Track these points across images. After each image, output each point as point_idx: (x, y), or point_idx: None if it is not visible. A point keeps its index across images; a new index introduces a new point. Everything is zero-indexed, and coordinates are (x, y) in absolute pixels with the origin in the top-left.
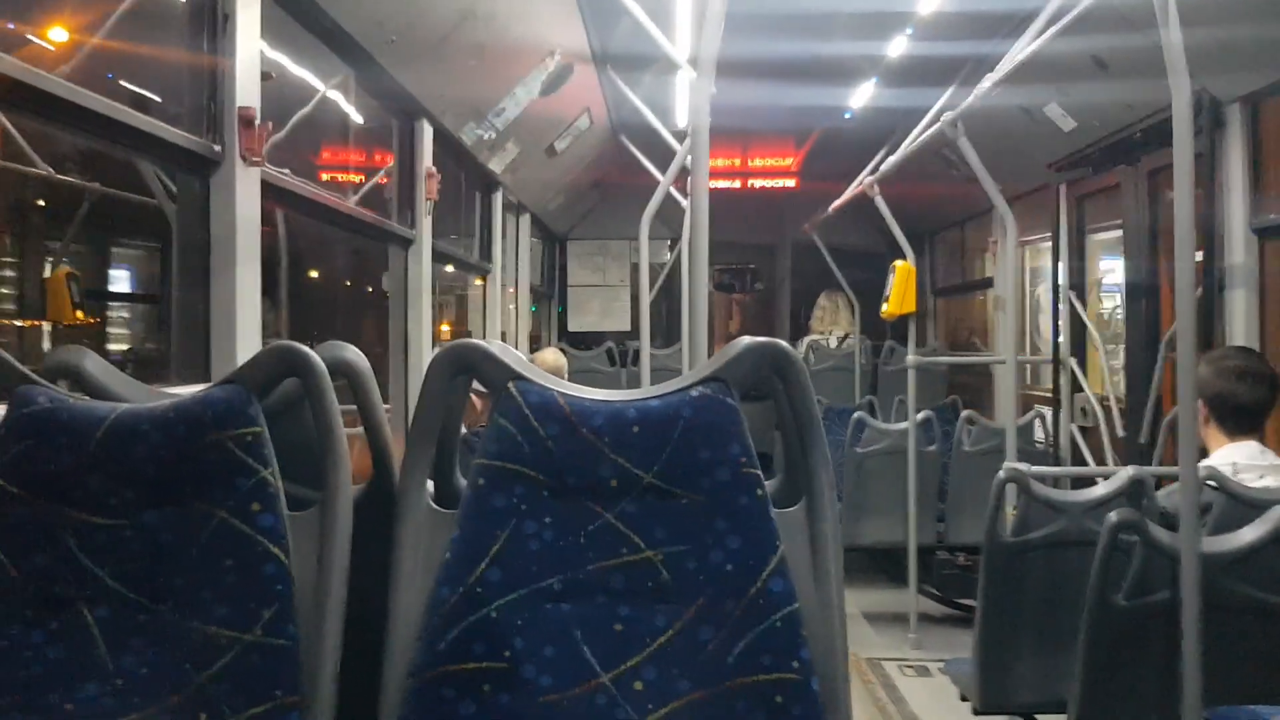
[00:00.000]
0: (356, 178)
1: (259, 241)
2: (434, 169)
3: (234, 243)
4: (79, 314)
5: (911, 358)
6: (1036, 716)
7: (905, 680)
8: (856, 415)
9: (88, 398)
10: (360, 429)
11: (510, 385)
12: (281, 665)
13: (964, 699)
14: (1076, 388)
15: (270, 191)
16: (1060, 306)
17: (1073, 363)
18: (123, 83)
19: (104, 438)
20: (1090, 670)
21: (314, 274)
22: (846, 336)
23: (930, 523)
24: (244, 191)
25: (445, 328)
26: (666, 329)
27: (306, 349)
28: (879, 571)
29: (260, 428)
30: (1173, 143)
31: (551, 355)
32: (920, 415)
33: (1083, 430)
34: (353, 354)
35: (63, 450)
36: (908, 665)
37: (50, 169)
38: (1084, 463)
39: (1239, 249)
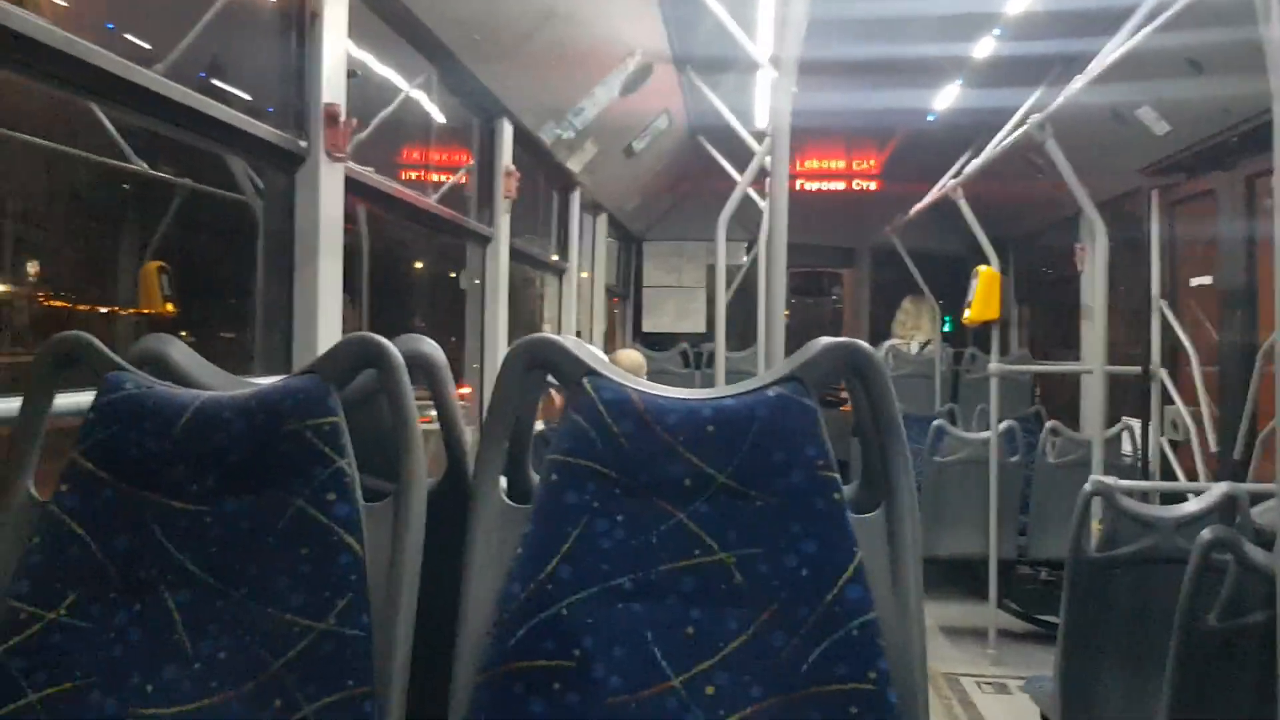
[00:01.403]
0: (437, 176)
1: (341, 236)
2: (513, 168)
3: (317, 237)
4: (169, 306)
5: (994, 365)
6: None
7: (983, 697)
8: (936, 423)
9: (173, 385)
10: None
11: (584, 381)
12: (354, 655)
13: (1045, 719)
14: (1168, 400)
15: (353, 187)
16: (1152, 317)
17: (1163, 374)
18: (214, 80)
19: (187, 424)
20: (1179, 693)
21: (397, 270)
22: (928, 343)
23: (1011, 535)
24: (328, 187)
25: (547, 327)
26: (742, 332)
27: (384, 340)
28: (957, 584)
29: (338, 418)
30: (1273, 147)
31: (632, 355)
32: (1003, 425)
33: (1173, 444)
34: (429, 347)
35: (148, 436)
36: (986, 681)
37: (144, 164)
38: (1174, 478)
39: None
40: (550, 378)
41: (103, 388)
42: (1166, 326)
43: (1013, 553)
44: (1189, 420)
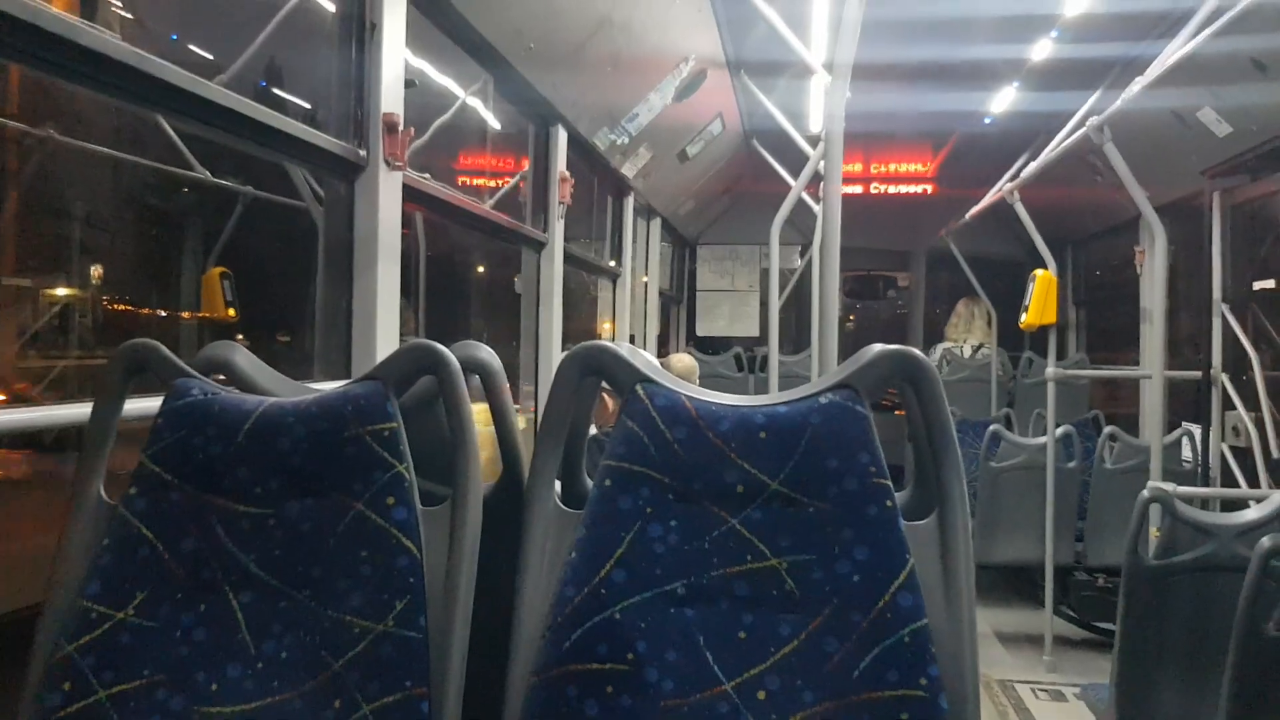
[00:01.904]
0: (492, 181)
1: (399, 243)
2: (567, 173)
3: (376, 244)
4: (230, 311)
5: (1051, 370)
6: None
7: (1039, 704)
8: (992, 428)
9: (237, 390)
10: (491, 427)
11: (638, 387)
12: (412, 656)
13: None
14: (1229, 405)
15: (410, 194)
16: (1214, 320)
17: (1224, 379)
18: (274, 89)
19: (251, 430)
20: (1237, 703)
21: (454, 274)
22: (981, 346)
23: (1068, 542)
24: (386, 194)
25: (607, 326)
26: (795, 336)
27: (442, 348)
28: (1013, 591)
29: (397, 423)
30: None
31: (685, 359)
32: (1060, 430)
33: (1235, 450)
34: (486, 353)
35: (213, 441)
36: (1041, 688)
37: (207, 172)
38: (1235, 484)
39: None
40: (604, 384)
41: (170, 394)
42: (1229, 330)
43: (1069, 559)
44: (1250, 426)
